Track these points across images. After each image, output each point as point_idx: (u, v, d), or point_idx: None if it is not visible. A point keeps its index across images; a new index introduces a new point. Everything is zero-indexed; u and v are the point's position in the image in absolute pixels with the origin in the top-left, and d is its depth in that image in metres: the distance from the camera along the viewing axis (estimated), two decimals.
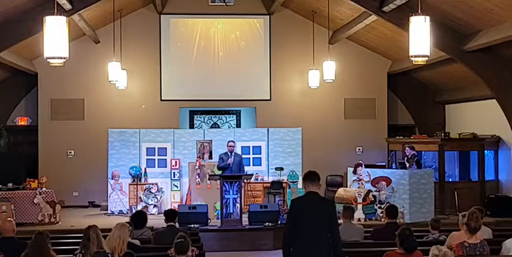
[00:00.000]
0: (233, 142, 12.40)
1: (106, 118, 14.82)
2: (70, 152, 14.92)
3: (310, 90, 15.05)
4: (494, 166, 13.61)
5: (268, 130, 14.09)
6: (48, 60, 7.39)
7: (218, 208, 11.59)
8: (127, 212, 12.81)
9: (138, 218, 7.91)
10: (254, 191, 13.20)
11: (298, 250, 5.59)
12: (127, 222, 6.90)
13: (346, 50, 15.36)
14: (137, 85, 15.08)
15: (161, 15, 15.13)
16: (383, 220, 11.05)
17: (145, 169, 13.46)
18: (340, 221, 7.55)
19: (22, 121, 15.20)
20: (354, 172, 12.55)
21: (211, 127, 15.94)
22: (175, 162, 13.37)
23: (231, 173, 11.73)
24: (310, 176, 5.80)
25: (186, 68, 15.23)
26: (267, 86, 15.35)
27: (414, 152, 12.35)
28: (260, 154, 13.95)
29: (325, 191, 14.54)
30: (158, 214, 12.41)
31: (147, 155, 13.65)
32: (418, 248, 5.95)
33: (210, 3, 15.07)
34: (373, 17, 12.17)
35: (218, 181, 11.40)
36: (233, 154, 12.13)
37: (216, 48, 15.24)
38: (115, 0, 12.95)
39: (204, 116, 16.19)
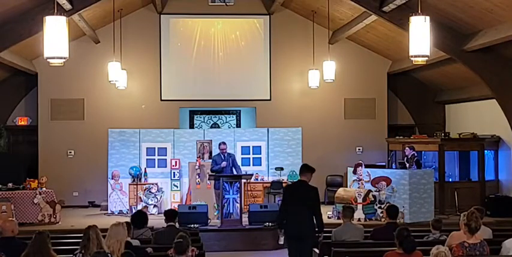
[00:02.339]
0: (225, 144, 12.24)
1: (106, 118, 14.82)
2: (70, 152, 14.92)
3: (310, 90, 15.05)
4: (494, 166, 13.61)
5: (268, 129, 14.08)
6: (48, 60, 7.39)
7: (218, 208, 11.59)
8: (127, 212, 12.81)
9: (138, 218, 7.91)
10: (254, 191, 13.21)
11: (288, 223, 7.47)
12: (126, 222, 6.90)
13: (346, 50, 15.36)
14: (137, 85, 15.08)
15: (161, 15, 15.13)
16: (383, 220, 11.06)
17: (145, 169, 13.46)
18: (340, 221, 7.68)
19: (22, 121, 15.20)
20: (354, 172, 12.55)
21: (211, 127, 15.94)
22: (175, 162, 13.37)
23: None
24: (301, 168, 7.65)
25: (186, 68, 15.23)
26: (267, 86, 15.35)
27: (414, 152, 12.35)
28: (260, 154, 13.95)
29: (325, 191, 14.55)
30: (158, 214, 12.41)
31: (147, 155, 13.65)
32: (419, 248, 5.97)
33: (210, 3, 15.07)
34: (373, 17, 12.16)
35: (214, 182, 11.41)
36: (226, 154, 12.07)
37: (216, 48, 15.24)
38: (115, 0, 12.95)
39: (204, 116, 16.19)
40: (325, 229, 8.04)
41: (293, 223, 7.46)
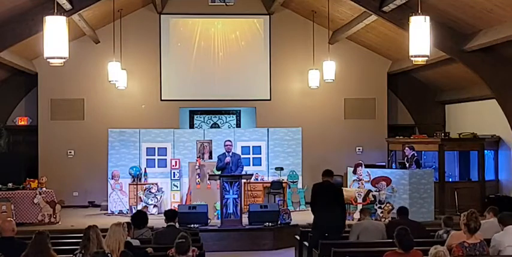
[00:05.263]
0: (230, 141, 12.35)
1: (106, 118, 14.82)
2: (70, 152, 14.92)
3: (310, 90, 15.05)
4: (494, 166, 13.61)
5: (268, 129, 14.08)
6: (48, 60, 7.39)
7: (218, 208, 11.59)
8: (127, 212, 12.82)
9: (139, 218, 7.91)
10: (254, 191, 13.19)
11: (319, 215, 8.47)
12: (126, 222, 6.90)
13: (346, 50, 15.36)
14: (137, 85, 15.08)
15: (161, 15, 15.13)
16: (383, 220, 11.06)
17: (145, 169, 13.46)
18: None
19: (22, 121, 15.20)
20: (354, 172, 12.54)
21: (211, 127, 15.93)
22: (175, 162, 13.37)
23: (230, 172, 11.71)
24: (325, 172, 8.71)
25: (186, 68, 15.23)
26: (267, 86, 15.35)
27: (414, 152, 12.35)
28: (260, 154, 13.95)
29: None
30: (158, 214, 12.41)
31: (147, 155, 13.65)
32: (421, 248, 5.99)
33: (210, 3, 15.07)
34: (373, 17, 12.17)
35: (218, 181, 11.41)
36: (231, 153, 12.10)
37: (216, 48, 15.24)
38: (115, 0, 12.95)
39: (204, 116, 16.18)
40: None
41: (324, 216, 8.34)
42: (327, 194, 8.50)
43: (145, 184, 13.10)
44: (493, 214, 7.65)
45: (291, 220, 11.13)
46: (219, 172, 11.87)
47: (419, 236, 7.12)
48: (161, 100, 15.18)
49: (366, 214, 8.33)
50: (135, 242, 7.01)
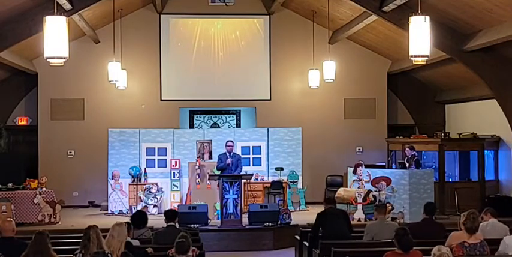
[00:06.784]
0: (232, 141, 12.39)
1: (106, 118, 14.82)
2: (70, 152, 14.92)
3: (310, 90, 15.05)
4: (494, 166, 13.61)
5: (268, 129, 14.08)
6: (48, 60, 7.39)
7: (218, 208, 11.59)
8: (127, 212, 12.82)
9: (138, 218, 7.91)
10: (254, 191, 13.19)
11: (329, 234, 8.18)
12: (126, 222, 6.90)
13: (346, 50, 15.36)
14: (137, 85, 15.08)
15: (161, 15, 15.13)
16: None
17: (145, 168, 13.46)
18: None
19: (22, 121, 15.20)
20: (354, 172, 12.54)
21: (211, 127, 15.93)
22: (175, 162, 13.37)
23: (230, 173, 11.71)
24: (326, 200, 8.85)
25: (186, 68, 15.23)
26: (267, 86, 15.35)
27: (414, 152, 12.35)
28: (260, 153, 13.95)
29: (325, 191, 14.53)
30: (158, 214, 12.41)
31: (147, 155, 13.65)
32: (423, 248, 6.00)
33: (210, 3, 15.07)
34: (373, 17, 12.17)
35: (218, 181, 11.41)
36: (232, 154, 12.10)
37: (216, 48, 15.24)
38: (115, 0, 12.95)
39: (204, 116, 16.18)
40: None
41: (336, 234, 8.18)
42: (336, 219, 8.37)
43: (145, 184, 13.10)
44: (490, 214, 7.62)
45: (291, 220, 11.13)
46: (219, 172, 11.88)
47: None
48: (161, 100, 15.18)
49: (381, 213, 8.06)
50: (135, 242, 7.01)
